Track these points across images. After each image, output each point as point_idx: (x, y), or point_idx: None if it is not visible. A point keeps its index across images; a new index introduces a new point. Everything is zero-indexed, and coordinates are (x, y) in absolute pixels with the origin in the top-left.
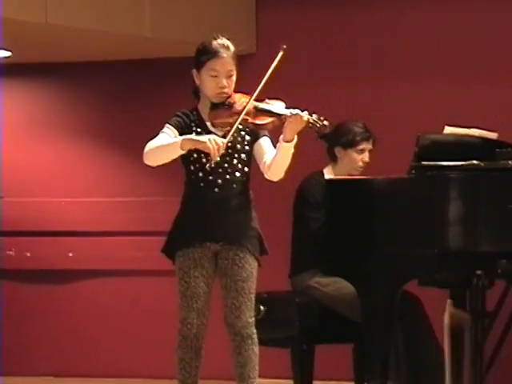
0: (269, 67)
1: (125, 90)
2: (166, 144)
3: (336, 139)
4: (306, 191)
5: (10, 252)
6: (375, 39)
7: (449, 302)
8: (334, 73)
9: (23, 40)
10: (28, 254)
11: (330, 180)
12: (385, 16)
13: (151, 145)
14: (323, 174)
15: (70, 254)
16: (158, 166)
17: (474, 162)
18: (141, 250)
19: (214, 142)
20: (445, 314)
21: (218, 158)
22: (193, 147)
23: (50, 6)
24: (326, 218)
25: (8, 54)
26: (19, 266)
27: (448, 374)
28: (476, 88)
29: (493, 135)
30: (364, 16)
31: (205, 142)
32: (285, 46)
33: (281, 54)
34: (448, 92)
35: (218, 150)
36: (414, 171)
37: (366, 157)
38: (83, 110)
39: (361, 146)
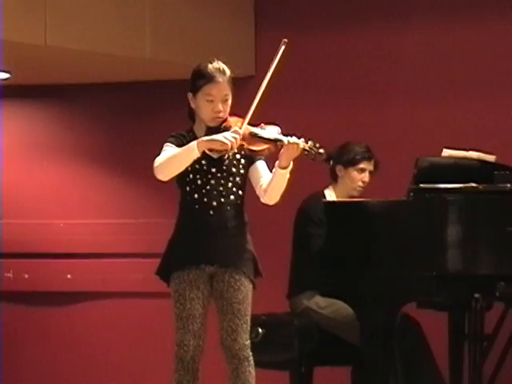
0: (267, 89)
1: (124, 112)
2: (179, 152)
3: (338, 158)
4: (309, 209)
5: (9, 274)
6: (373, 63)
7: None
8: (332, 95)
9: (22, 62)
10: (26, 276)
11: (329, 202)
12: (383, 40)
13: (161, 158)
14: (324, 195)
15: (69, 276)
16: (155, 188)
17: (473, 184)
18: (139, 271)
19: (230, 138)
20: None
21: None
22: (210, 147)
23: (50, 28)
24: (325, 239)
25: (7, 75)
26: (17, 287)
27: None
28: (474, 111)
29: (491, 158)
30: (362, 39)
31: (220, 141)
32: (286, 40)
33: (283, 47)
34: (446, 114)
35: (237, 142)
36: (412, 194)
37: (365, 177)
38: (82, 132)
39: (361, 165)
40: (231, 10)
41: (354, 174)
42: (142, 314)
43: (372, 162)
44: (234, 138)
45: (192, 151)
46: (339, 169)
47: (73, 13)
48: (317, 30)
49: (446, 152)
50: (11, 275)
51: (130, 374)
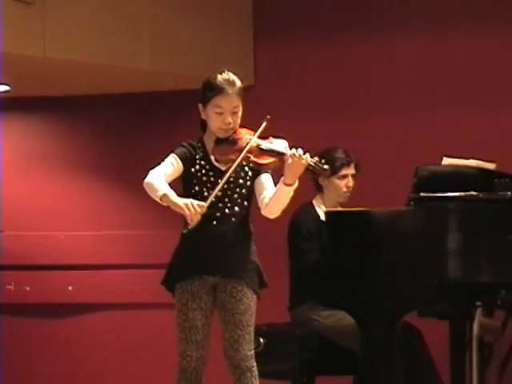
0: (266, 99)
1: (124, 123)
2: (155, 188)
3: None
4: (299, 222)
5: (10, 286)
6: (372, 73)
7: (478, 311)
8: (331, 105)
9: (22, 74)
10: (27, 288)
11: (329, 212)
12: (380, 50)
13: (149, 177)
14: (313, 205)
15: (70, 288)
16: (154, 199)
17: (473, 192)
18: (140, 283)
19: (191, 207)
20: (474, 324)
21: (195, 224)
22: (172, 207)
23: (49, 40)
24: (325, 249)
25: (7, 88)
26: (19, 300)
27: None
28: (474, 119)
29: (491, 166)
30: (359, 49)
31: (182, 208)
32: (269, 117)
33: (264, 124)
34: (446, 123)
35: (196, 215)
36: (412, 202)
37: (349, 182)
38: (82, 143)
39: (342, 172)
40: (230, 20)
41: (337, 182)
42: (143, 325)
43: (352, 165)
44: (196, 210)
45: (157, 197)
46: (322, 179)
47: (72, 25)
48: (315, 39)
49: (446, 160)
50: (12, 287)
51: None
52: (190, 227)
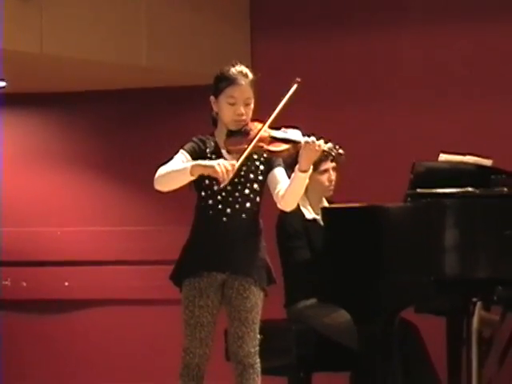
0: (264, 92)
1: (121, 119)
2: (177, 170)
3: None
4: (285, 223)
5: (6, 282)
6: (369, 68)
7: (478, 304)
8: (327, 100)
9: (18, 70)
10: (24, 284)
11: (326, 209)
12: (379, 45)
13: (162, 171)
14: (298, 205)
15: (66, 284)
16: (153, 195)
17: (469, 189)
18: (137, 279)
19: (223, 166)
20: (474, 318)
21: (227, 182)
22: (203, 172)
23: (46, 36)
24: (322, 245)
25: (3, 84)
26: (15, 296)
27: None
28: (471, 115)
29: (487, 162)
30: (358, 44)
31: (213, 167)
32: (299, 79)
33: (295, 86)
34: (443, 119)
35: (228, 173)
36: (409, 199)
37: (331, 175)
38: (79, 139)
39: (322, 167)
40: (227, 16)
41: (319, 177)
42: (140, 321)
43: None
44: (227, 168)
45: (186, 174)
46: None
47: (69, 21)
48: (312, 34)
49: (443, 157)
50: (9, 283)
51: (132, 380)
52: (221, 186)
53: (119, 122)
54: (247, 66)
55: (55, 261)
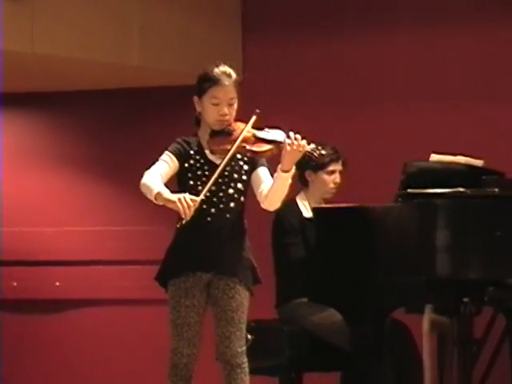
0: (256, 94)
1: (113, 118)
2: (149, 186)
3: (306, 163)
4: (283, 218)
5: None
6: (361, 70)
7: (427, 307)
8: (319, 102)
9: (10, 70)
10: (15, 284)
11: (317, 209)
12: (370, 47)
13: (144, 178)
14: (296, 202)
15: (57, 284)
16: (143, 196)
17: (461, 189)
18: (128, 279)
19: (184, 202)
20: (423, 320)
21: (189, 218)
22: (165, 204)
23: (37, 36)
24: (313, 246)
25: None
26: (6, 295)
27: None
28: (462, 115)
29: (479, 162)
30: (350, 46)
31: (175, 202)
32: (258, 111)
33: (254, 118)
34: (434, 120)
35: (189, 209)
36: (400, 199)
37: (337, 178)
38: (71, 139)
39: (331, 168)
40: (218, 16)
41: (325, 177)
42: (132, 321)
43: (340, 162)
44: (188, 204)
45: (153, 198)
46: (309, 174)
47: (60, 20)
48: (303, 36)
49: (434, 157)
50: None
51: (121, 381)
52: (183, 222)
53: (111, 121)
54: (231, 66)
55: (46, 260)
